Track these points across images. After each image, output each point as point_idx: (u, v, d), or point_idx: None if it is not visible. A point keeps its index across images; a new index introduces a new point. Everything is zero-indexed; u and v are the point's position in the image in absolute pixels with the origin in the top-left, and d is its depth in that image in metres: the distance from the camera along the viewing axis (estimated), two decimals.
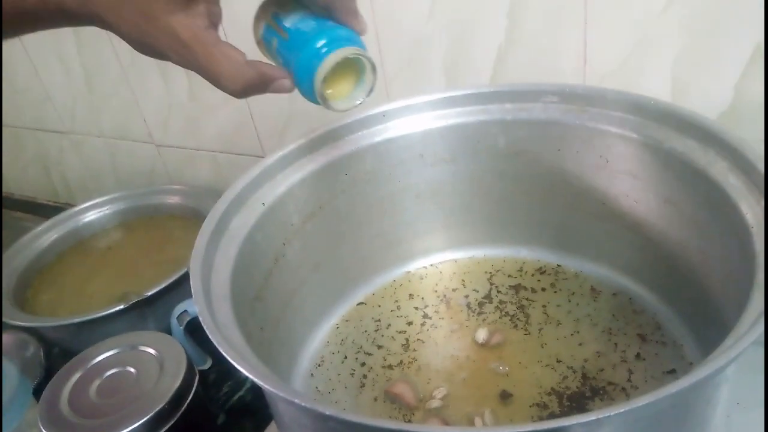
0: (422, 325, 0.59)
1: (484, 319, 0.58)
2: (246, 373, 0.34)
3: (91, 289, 0.78)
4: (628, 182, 0.53)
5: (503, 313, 0.59)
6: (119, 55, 0.87)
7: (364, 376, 0.55)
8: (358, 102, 0.45)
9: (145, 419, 0.50)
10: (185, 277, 0.62)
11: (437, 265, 0.65)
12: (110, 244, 0.87)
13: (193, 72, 0.39)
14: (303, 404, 0.32)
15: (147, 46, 0.39)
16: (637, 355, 0.52)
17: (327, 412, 0.31)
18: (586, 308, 0.57)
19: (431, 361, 0.56)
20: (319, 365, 0.57)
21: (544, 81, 0.56)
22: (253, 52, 0.42)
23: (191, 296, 0.40)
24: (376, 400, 0.53)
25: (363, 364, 0.56)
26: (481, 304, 0.60)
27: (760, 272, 0.36)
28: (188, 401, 0.53)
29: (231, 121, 0.85)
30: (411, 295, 0.62)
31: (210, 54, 0.38)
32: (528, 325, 0.57)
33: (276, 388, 0.33)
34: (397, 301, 0.62)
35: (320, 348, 0.59)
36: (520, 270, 0.63)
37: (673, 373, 0.50)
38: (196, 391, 0.54)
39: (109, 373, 0.55)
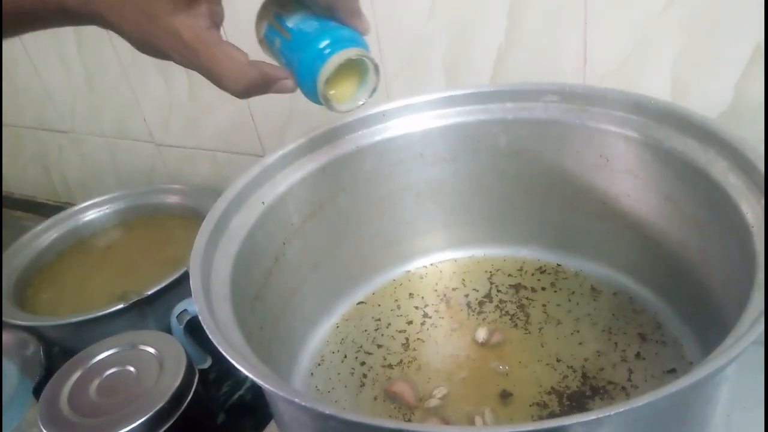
0: (422, 324, 0.59)
1: (484, 319, 0.58)
2: (246, 373, 0.34)
3: (91, 288, 0.78)
4: (628, 181, 0.53)
5: (503, 312, 0.59)
6: (119, 54, 0.87)
7: (364, 376, 0.55)
8: (361, 103, 0.45)
9: (144, 418, 0.50)
10: (185, 277, 0.62)
11: (437, 264, 0.65)
12: (110, 243, 0.87)
13: (193, 71, 0.39)
14: (303, 403, 0.32)
15: (148, 45, 0.38)
16: (638, 355, 0.52)
17: (327, 411, 0.31)
18: (586, 307, 0.57)
19: (431, 360, 0.56)
20: (319, 364, 0.57)
21: (544, 81, 0.56)
22: (254, 52, 0.42)
23: (191, 295, 0.40)
24: (376, 399, 0.53)
25: (363, 364, 0.56)
26: (481, 304, 0.60)
27: (761, 272, 0.37)
28: (188, 400, 0.53)
29: (231, 121, 0.85)
30: (411, 295, 0.62)
31: (212, 54, 0.38)
32: (528, 325, 0.57)
33: (276, 387, 0.33)
34: (397, 300, 0.62)
35: (320, 347, 0.59)
36: (520, 269, 0.63)
37: (673, 373, 0.50)
38: (195, 390, 0.54)
39: (109, 372, 0.55)
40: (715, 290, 0.47)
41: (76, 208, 0.89)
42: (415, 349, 0.57)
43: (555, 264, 0.62)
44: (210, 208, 0.48)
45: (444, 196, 0.62)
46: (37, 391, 0.62)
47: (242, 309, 0.44)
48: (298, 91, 0.43)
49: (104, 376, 0.55)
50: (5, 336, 0.69)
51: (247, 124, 0.83)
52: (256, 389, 0.66)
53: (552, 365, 0.53)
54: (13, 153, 1.17)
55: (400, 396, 0.52)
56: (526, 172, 0.58)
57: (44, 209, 1.16)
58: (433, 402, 0.51)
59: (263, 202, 0.51)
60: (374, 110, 0.56)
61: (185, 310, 0.59)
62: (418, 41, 0.65)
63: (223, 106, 0.84)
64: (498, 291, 0.61)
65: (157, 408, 0.50)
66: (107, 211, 0.89)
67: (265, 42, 0.45)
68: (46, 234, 0.85)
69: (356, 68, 0.43)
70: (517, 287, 0.61)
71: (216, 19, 0.39)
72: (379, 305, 0.62)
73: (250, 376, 0.34)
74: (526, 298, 0.59)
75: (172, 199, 0.88)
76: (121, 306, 0.65)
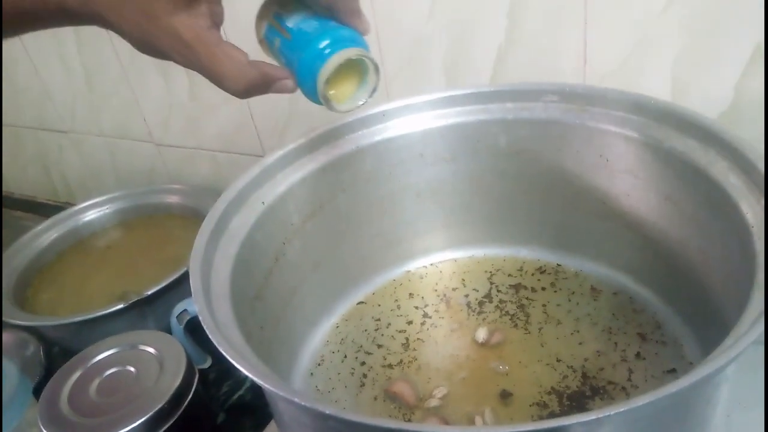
0: (422, 324, 0.59)
1: (484, 319, 0.58)
2: (246, 372, 0.34)
3: (91, 288, 0.78)
4: (628, 181, 0.53)
5: (503, 312, 0.59)
6: (119, 54, 0.87)
7: (364, 375, 0.55)
8: (361, 103, 0.45)
9: (144, 418, 0.50)
10: (185, 277, 0.62)
11: (437, 264, 0.65)
12: (110, 243, 0.87)
13: (193, 71, 0.39)
14: (303, 403, 0.32)
15: (149, 45, 0.38)
16: (638, 355, 0.52)
17: (327, 411, 0.31)
18: (586, 307, 0.57)
19: (431, 360, 0.56)
20: (319, 364, 0.57)
21: (544, 80, 0.56)
22: (253, 52, 0.41)
23: (191, 295, 0.40)
24: (376, 399, 0.53)
25: (363, 363, 0.56)
26: (481, 304, 0.60)
27: (760, 272, 0.36)
28: (188, 400, 0.53)
29: (231, 121, 0.85)
30: (411, 295, 0.62)
31: (213, 54, 0.38)
32: (528, 325, 0.57)
33: (276, 387, 0.33)
34: (397, 300, 0.62)
35: (320, 347, 0.59)
36: (520, 269, 0.63)
37: (673, 373, 0.50)
38: (195, 390, 0.54)
39: (108, 372, 0.55)
40: (715, 290, 0.47)
41: (76, 208, 0.89)
42: (415, 349, 0.57)
43: (555, 264, 0.62)
44: (210, 208, 0.48)
45: (444, 196, 0.62)
46: (37, 391, 0.62)
47: (242, 309, 0.44)
48: (298, 91, 0.43)
49: (104, 376, 0.55)
50: (5, 336, 0.69)
51: (247, 124, 0.83)
52: (256, 389, 0.66)
53: (552, 365, 0.53)
54: (13, 153, 1.17)
55: (400, 396, 0.52)
56: (527, 172, 0.58)
57: (44, 209, 1.16)
58: (433, 402, 0.51)
59: (263, 202, 0.51)
60: (374, 110, 0.56)
61: (185, 310, 0.59)
62: (418, 41, 0.65)
63: (223, 106, 0.84)
64: (498, 291, 0.61)
65: (157, 408, 0.50)
66: (107, 211, 0.89)
67: (265, 42, 0.45)
68: (46, 234, 0.85)
69: (356, 68, 0.43)
70: (517, 287, 0.61)
71: (216, 19, 0.39)
72: (379, 305, 0.62)
73: (250, 375, 0.34)
74: (526, 298, 0.59)
75: (172, 199, 0.88)
76: (121, 306, 0.65)
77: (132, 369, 0.55)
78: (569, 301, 0.58)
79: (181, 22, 0.37)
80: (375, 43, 0.67)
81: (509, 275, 0.62)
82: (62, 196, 1.19)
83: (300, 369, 0.56)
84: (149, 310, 0.67)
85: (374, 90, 0.45)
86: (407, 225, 0.63)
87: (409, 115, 0.57)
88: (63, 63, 0.94)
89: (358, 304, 0.62)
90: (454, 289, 0.62)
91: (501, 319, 0.58)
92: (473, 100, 0.57)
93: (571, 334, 0.55)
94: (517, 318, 0.58)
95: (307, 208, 0.55)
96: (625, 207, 0.55)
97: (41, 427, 0.51)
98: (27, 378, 0.64)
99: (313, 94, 0.42)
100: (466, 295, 0.61)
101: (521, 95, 0.55)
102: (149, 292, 0.66)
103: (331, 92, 0.43)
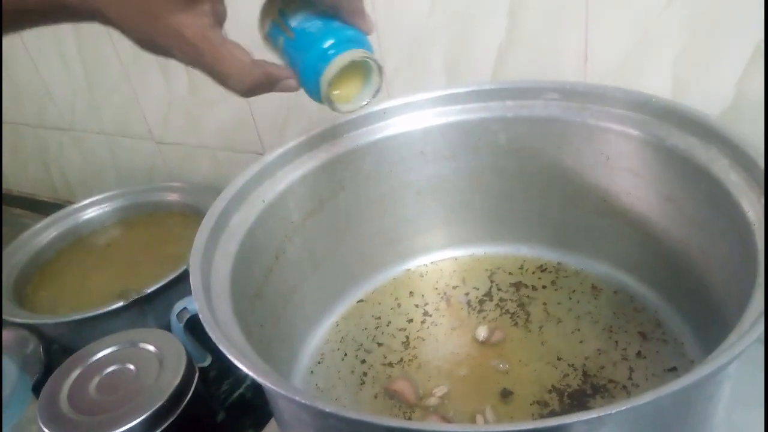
0: (422, 322, 0.59)
1: (484, 317, 0.58)
2: (246, 370, 0.34)
3: (91, 286, 0.78)
4: (629, 179, 0.53)
5: (504, 310, 0.59)
6: (119, 51, 0.87)
7: (364, 374, 0.55)
8: (364, 103, 0.45)
9: (144, 416, 0.50)
10: (185, 274, 0.62)
11: (437, 262, 0.65)
12: (110, 241, 0.87)
13: (193, 69, 0.39)
14: (303, 401, 0.32)
15: (150, 43, 0.38)
16: (638, 353, 0.52)
17: (327, 409, 0.31)
18: (587, 306, 0.57)
19: (431, 358, 0.56)
20: (319, 362, 0.57)
21: (544, 78, 0.56)
22: (254, 51, 0.41)
23: (191, 293, 0.40)
24: (376, 397, 0.53)
25: (363, 362, 0.56)
26: (481, 302, 0.60)
27: (762, 270, 0.36)
28: (188, 398, 0.53)
29: (231, 118, 0.85)
30: (411, 293, 0.62)
31: (217, 53, 0.38)
32: (528, 323, 0.57)
33: (276, 385, 0.33)
34: (397, 298, 0.62)
35: (320, 345, 0.59)
36: (521, 267, 0.63)
37: (674, 371, 0.50)
38: (195, 388, 0.54)
39: (108, 370, 0.55)
40: (716, 288, 0.47)
41: (76, 205, 0.89)
42: (415, 348, 0.57)
43: (556, 262, 0.62)
44: (210, 205, 0.48)
45: (444, 193, 0.61)
46: (36, 389, 0.62)
47: (242, 307, 0.44)
48: (301, 89, 0.43)
49: (104, 373, 0.55)
50: (5, 334, 0.69)
51: (248, 121, 0.83)
52: (256, 387, 0.66)
53: (553, 363, 0.53)
54: (13, 150, 1.17)
55: (401, 394, 0.52)
56: (527, 169, 0.58)
57: (44, 207, 1.16)
58: (434, 400, 0.51)
59: (263, 200, 0.51)
60: (375, 108, 0.56)
61: (185, 308, 0.59)
62: (419, 39, 0.65)
63: (223, 104, 0.84)
64: (498, 289, 0.61)
65: (157, 406, 0.50)
66: (107, 208, 0.89)
67: (269, 39, 0.45)
68: (45, 232, 0.85)
69: (360, 69, 0.43)
70: (517, 285, 0.61)
71: (219, 18, 0.39)
72: (380, 303, 0.62)
73: (250, 374, 0.34)
74: (527, 297, 0.59)
75: (172, 196, 0.88)
76: (120, 304, 0.65)
77: (132, 367, 0.55)
78: (570, 299, 0.58)
79: (184, 21, 0.37)
80: (376, 41, 0.66)
81: (510, 273, 0.62)
82: (62, 193, 1.19)
83: (300, 367, 0.56)
84: (149, 308, 0.67)
85: (377, 91, 0.45)
86: (408, 223, 0.63)
87: (409, 112, 0.57)
88: (63, 60, 0.94)
89: (359, 302, 0.62)
90: (454, 288, 0.62)
91: (501, 317, 0.58)
92: (474, 97, 0.57)
93: (572, 332, 0.55)
94: (518, 316, 0.58)
95: (307, 205, 0.55)
96: (626, 205, 0.55)
97: (41, 424, 0.51)
98: (27, 376, 0.64)
99: (316, 95, 0.42)
100: (467, 294, 0.61)
101: (521, 93, 0.55)
102: (149, 290, 0.66)
103: (335, 93, 0.43)
